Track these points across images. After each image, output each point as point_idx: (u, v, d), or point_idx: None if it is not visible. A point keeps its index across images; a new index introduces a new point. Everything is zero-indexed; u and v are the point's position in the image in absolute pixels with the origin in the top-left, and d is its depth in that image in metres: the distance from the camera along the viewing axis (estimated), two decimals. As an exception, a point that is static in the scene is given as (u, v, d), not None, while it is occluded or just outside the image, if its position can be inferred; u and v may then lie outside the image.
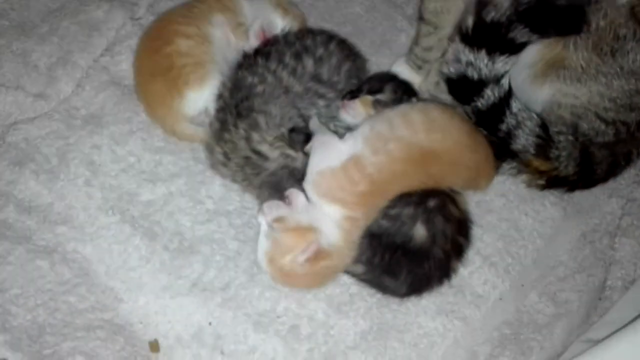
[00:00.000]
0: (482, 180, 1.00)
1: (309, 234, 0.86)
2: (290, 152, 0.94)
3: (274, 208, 0.87)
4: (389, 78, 1.07)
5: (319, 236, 0.86)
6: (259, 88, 0.97)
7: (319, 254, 0.85)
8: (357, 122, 0.98)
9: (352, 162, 0.87)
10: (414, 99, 1.04)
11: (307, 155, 0.92)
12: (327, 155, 0.89)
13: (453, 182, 0.95)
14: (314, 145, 0.92)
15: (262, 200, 0.93)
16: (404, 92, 1.05)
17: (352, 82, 1.05)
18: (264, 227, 0.88)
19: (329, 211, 0.87)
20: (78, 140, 1.02)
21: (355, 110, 1.00)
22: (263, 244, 0.88)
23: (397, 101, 1.01)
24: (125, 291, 0.90)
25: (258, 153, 0.93)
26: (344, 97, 1.02)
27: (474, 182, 0.99)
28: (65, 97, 1.07)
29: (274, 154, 0.94)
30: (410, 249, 0.88)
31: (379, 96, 1.00)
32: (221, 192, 1.00)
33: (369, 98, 1.00)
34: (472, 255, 0.98)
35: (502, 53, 0.96)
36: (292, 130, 0.94)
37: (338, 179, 0.87)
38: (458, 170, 0.94)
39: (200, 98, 1.04)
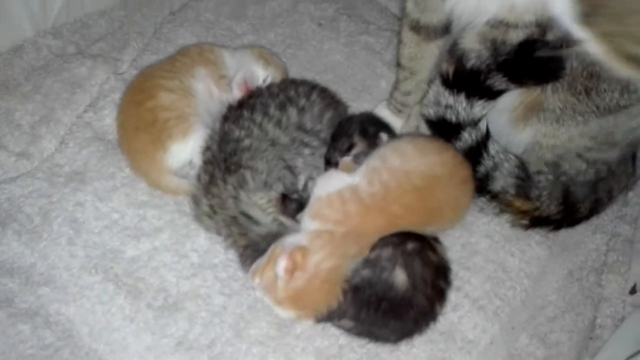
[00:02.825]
0: (462, 211, 1.01)
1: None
2: (284, 219, 0.94)
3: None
4: (350, 127, 1.05)
5: (284, 246, 0.87)
6: (246, 142, 0.98)
7: (293, 257, 0.85)
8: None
9: (349, 189, 0.91)
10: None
11: (299, 223, 0.93)
12: (328, 183, 0.94)
13: (442, 215, 0.97)
14: (319, 179, 0.96)
15: (244, 260, 0.93)
16: (372, 126, 1.05)
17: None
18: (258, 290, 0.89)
19: (309, 225, 0.90)
20: (61, 198, 1.02)
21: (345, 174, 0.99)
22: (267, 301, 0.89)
23: (372, 140, 1.02)
24: (109, 353, 0.88)
25: (248, 216, 0.93)
26: (326, 170, 1.02)
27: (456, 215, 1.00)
28: (49, 155, 1.07)
29: (267, 220, 0.94)
30: (394, 299, 0.88)
31: (354, 151, 1.01)
32: (206, 244, 0.99)
33: (348, 160, 1.01)
34: (461, 299, 0.98)
35: (480, 98, 0.98)
36: (284, 196, 0.94)
37: (331, 200, 0.91)
38: (448, 196, 0.95)
39: (184, 150, 1.04)
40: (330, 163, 1.02)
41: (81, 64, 1.18)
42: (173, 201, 1.04)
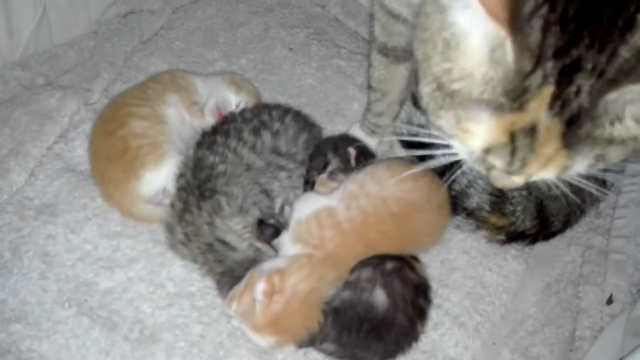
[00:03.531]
0: (438, 236, 1.01)
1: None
2: (260, 245, 0.93)
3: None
4: (325, 146, 1.08)
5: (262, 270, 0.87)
6: (221, 167, 0.97)
7: (271, 280, 0.84)
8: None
9: (325, 211, 0.91)
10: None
11: (275, 249, 0.92)
12: (306, 205, 0.94)
13: (418, 240, 0.98)
14: (296, 202, 0.96)
15: (222, 287, 0.92)
16: (344, 143, 1.07)
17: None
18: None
19: (291, 249, 0.90)
20: (32, 231, 0.99)
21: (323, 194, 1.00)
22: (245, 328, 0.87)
23: (344, 156, 1.03)
24: (84, 389, 0.85)
25: (223, 242, 0.92)
26: (304, 190, 1.02)
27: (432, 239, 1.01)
28: (18, 188, 1.05)
29: (243, 245, 0.93)
30: (375, 319, 0.87)
31: (330, 168, 1.02)
32: (182, 273, 0.98)
33: (323, 177, 1.01)
34: (441, 316, 0.98)
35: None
36: (261, 222, 0.94)
37: (309, 223, 0.91)
38: (424, 222, 0.96)
39: (157, 178, 1.03)
40: (308, 183, 1.02)
41: (50, 95, 1.17)
42: (147, 230, 1.02)
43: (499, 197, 1.02)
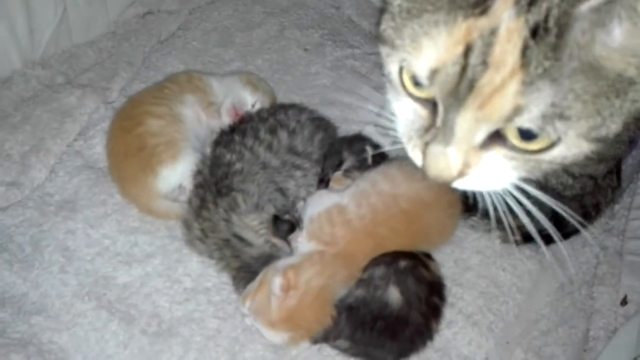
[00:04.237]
0: (447, 234, 1.03)
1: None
2: (276, 240, 0.95)
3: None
4: (340, 145, 1.09)
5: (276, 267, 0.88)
6: (237, 166, 0.99)
7: (286, 275, 0.85)
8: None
9: (336, 208, 0.93)
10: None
11: (290, 245, 0.94)
12: (318, 203, 0.95)
13: (428, 237, 0.99)
14: (309, 200, 0.97)
15: (237, 283, 0.93)
16: (359, 142, 1.08)
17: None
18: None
19: (306, 246, 0.91)
20: (52, 226, 1.01)
21: (337, 191, 1.01)
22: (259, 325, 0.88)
23: (359, 154, 1.04)
24: (103, 381, 0.87)
25: (240, 238, 0.94)
26: (319, 188, 1.04)
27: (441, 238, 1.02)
28: (39, 184, 1.07)
29: (259, 241, 0.94)
30: (389, 317, 0.88)
31: (345, 167, 1.03)
32: (199, 269, 0.99)
33: (338, 174, 1.02)
34: (455, 315, 0.98)
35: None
36: (276, 218, 0.95)
37: (321, 220, 0.92)
38: (434, 220, 0.97)
39: (174, 175, 1.05)
40: (322, 181, 1.03)
41: (70, 94, 1.19)
42: (164, 226, 1.04)
43: (515, 198, 1.02)
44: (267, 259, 0.92)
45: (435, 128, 0.58)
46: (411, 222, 0.94)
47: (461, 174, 0.59)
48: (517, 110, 0.51)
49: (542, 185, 1.03)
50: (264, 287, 0.87)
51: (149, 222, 1.04)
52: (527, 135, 0.54)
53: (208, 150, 1.06)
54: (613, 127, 0.55)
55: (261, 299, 0.87)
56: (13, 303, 0.93)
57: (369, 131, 1.18)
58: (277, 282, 0.84)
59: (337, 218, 0.93)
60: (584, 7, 0.48)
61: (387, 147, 1.16)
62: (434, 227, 0.99)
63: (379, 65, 1.26)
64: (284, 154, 1.03)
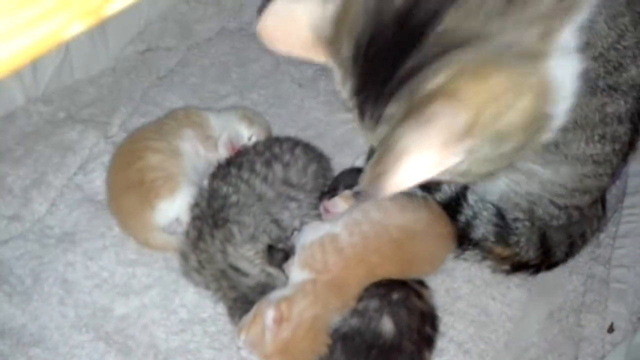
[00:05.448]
0: (437, 263, 1.05)
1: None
2: (271, 270, 0.97)
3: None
4: (357, 171, 1.13)
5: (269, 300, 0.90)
6: (234, 198, 1.01)
7: (279, 307, 0.87)
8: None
9: (328, 237, 0.95)
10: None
11: (285, 273, 0.96)
12: (311, 232, 0.97)
13: (417, 266, 1.01)
14: (303, 229, 1.00)
15: (234, 313, 0.95)
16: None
17: (319, 182, 1.11)
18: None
19: (298, 275, 0.93)
20: (52, 259, 1.04)
21: (338, 207, 1.05)
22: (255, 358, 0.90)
23: None
24: (100, 412, 0.88)
25: (236, 269, 0.96)
26: (321, 200, 1.07)
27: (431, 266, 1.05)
28: (40, 217, 1.10)
29: (255, 271, 0.97)
30: (383, 346, 0.90)
31: (356, 188, 1.06)
32: (195, 299, 1.01)
33: (348, 193, 1.05)
34: (446, 343, 1.00)
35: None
36: (270, 247, 0.98)
37: (313, 249, 0.94)
38: (423, 249, 1.00)
39: (171, 208, 1.07)
40: (329, 193, 1.06)
41: (71, 129, 1.22)
42: (162, 258, 1.06)
43: (503, 228, 1.05)
44: (264, 289, 0.94)
45: None
46: (400, 249, 0.97)
47: None
48: None
49: (531, 216, 1.07)
50: (258, 319, 0.89)
51: (147, 254, 1.06)
52: None
53: (206, 182, 1.09)
54: None
55: (256, 332, 0.88)
56: (12, 335, 0.95)
57: (363, 163, 1.22)
58: (270, 314, 0.86)
59: (329, 246, 0.95)
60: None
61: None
62: (424, 256, 1.02)
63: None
64: (279, 186, 1.06)
